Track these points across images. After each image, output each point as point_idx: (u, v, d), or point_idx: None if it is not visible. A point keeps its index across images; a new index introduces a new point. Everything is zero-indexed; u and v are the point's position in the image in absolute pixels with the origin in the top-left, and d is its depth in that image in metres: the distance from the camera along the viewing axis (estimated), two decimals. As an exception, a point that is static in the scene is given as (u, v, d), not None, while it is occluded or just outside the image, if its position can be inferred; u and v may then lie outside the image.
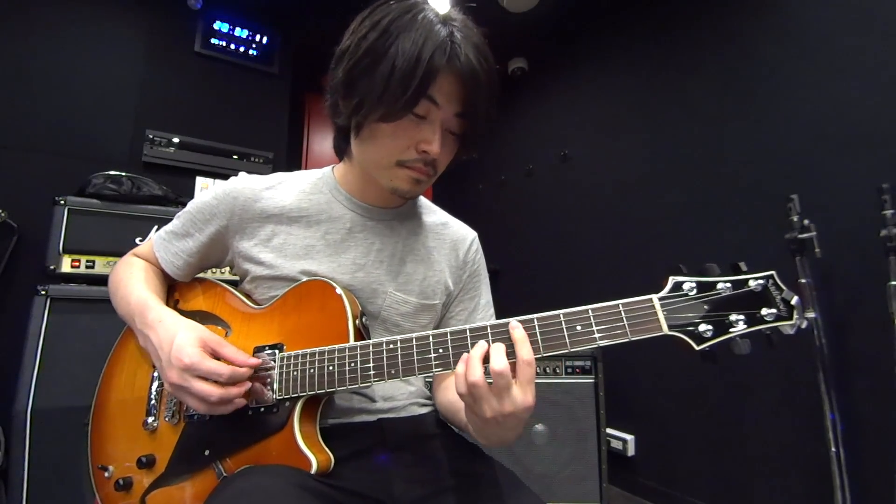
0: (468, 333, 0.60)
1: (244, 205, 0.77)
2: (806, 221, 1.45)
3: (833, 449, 1.39)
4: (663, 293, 0.57)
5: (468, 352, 0.58)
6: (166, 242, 0.82)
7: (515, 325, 0.58)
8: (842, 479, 1.37)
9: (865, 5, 1.51)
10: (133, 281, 0.78)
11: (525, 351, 0.55)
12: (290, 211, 0.78)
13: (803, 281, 1.43)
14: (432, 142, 0.69)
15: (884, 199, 1.31)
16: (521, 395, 0.55)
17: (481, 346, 0.57)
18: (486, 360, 0.57)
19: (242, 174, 0.82)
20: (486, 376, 0.56)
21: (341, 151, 0.84)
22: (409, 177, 0.73)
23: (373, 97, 0.65)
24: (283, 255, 0.76)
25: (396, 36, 0.64)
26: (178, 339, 0.64)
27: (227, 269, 0.86)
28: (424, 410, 0.84)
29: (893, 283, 1.27)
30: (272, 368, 0.68)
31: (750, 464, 1.71)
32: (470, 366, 0.56)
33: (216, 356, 0.65)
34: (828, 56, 1.60)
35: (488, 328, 0.59)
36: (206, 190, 0.82)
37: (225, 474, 0.65)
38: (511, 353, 0.56)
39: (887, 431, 1.36)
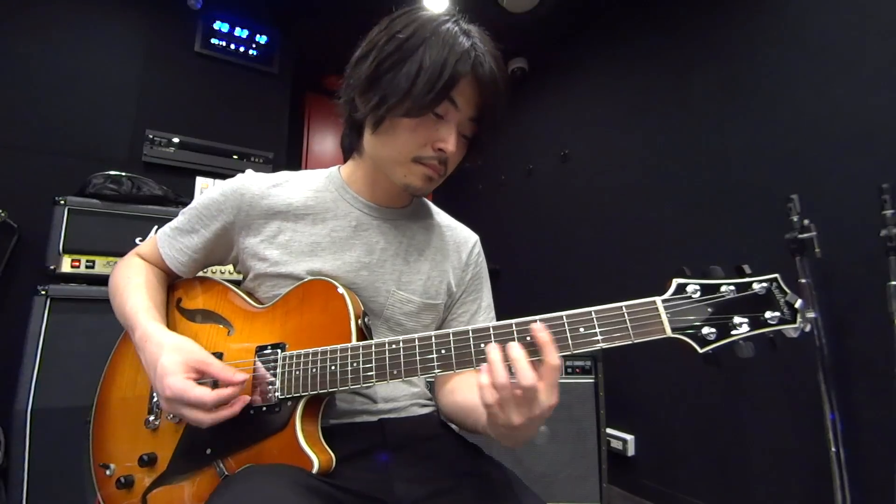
0: (471, 334, 0.60)
1: (251, 201, 0.78)
2: (806, 221, 1.45)
3: (833, 449, 1.39)
4: (667, 295, 0.57)
5: (474, 355, 0.58)
6: (171, 239, 0.82)
7: (540, 328, 0.56)
8: (842, 479, 1.37)
9: (865, 5, 1.52)
10: (130, 287, 0.78)
11: (552, 356, 0.55)
12: (297, 208, 0.79)
13: (803, 281, 1.43)
14: (448, 140, 0.72)
15: (884, 199, 1.31)
16: (547, 397, 0.55)
17: (495, 348, 0.56)
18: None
19: (249, 171, 0.82)
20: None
21: (350, 150, 0.85)
22: (423, 174, 0.75)
23: (398, 93, 0.68)
24: (289, 252, 0.77)
25: (422, 41, 0.68)
26: (160, 364, 0.64)
27: (231, 267, 0.86)
28: (426, 411, 0.84)
29: (893, 283, 1.27)
30: (272, 371, 0.68)
31: (750, 464, 1.71)
32: (495, 373, 0.54)
33: (203, 374, 0.65)
34: (828, 56, 1.60)
35: (491, 329, 0.60)
36: (213, 187, 0.82)
37: (226, 473, 0.65)
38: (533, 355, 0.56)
39: (887, 431, 1.36)
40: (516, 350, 0.55)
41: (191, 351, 0.66)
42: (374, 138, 0.77)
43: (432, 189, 0.80)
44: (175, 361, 0.64)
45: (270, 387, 0.67)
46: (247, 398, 0.66)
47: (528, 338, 0.57)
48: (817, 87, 1.62)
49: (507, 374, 0.54)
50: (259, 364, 0.69)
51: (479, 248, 0.95)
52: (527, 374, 0.53)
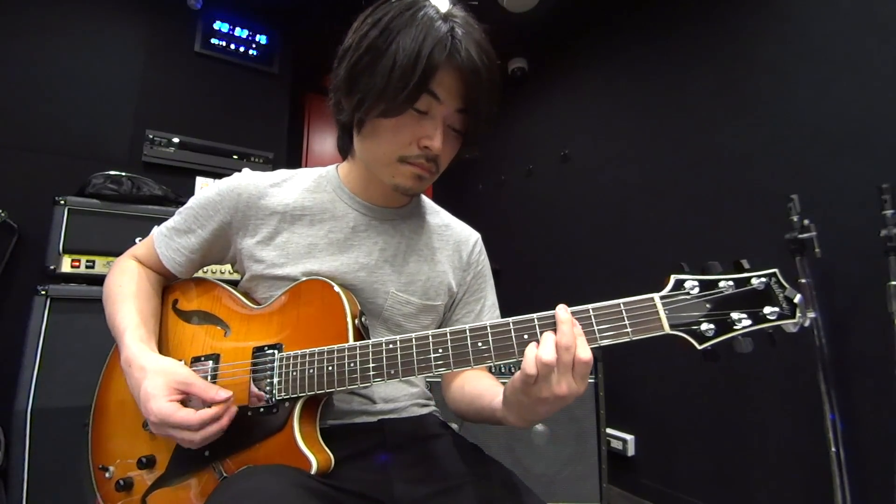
0: (468, 333, 0.60)
1: (248, 201, 0.77)
2: (806, 221, 1.44)
3: (833, 449, 1.39)
4: (665, 292, 0.57)
5: (471, 354, 0.59)
6: (167, 239, 0.81)
7: (575, 323, 0.56)
8: (842, 479, 1.37)
9: (865, 5, 1.51)
10: (122, 297, 0.76)
11: (584, 351, 0.55)
12: (294, 209, 0.78)
13: (803, 281, 1.43)
14: (434, 137, 0.69)
15: (884, 199, 1.31)
16: (577, 385, 0.55)
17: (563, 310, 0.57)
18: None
19: (246, 170, 0.81)
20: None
21: (345, 150, 0.84)
22: (412, 173, 0.73)
23: (374, 93, 0.66)
24: (286, 254, 0.76)
25: (397, 33, 0.65)
26: (143, 389, 0.63)
27: (228, 267, 0.85)
28: (425, 411, 0.84)
29: (893, 283, 1.27)
30: (269, 372, 0.68)
31: (750, 464, 1.70)
32: (563, 332, 0.55)
33: (187, 394, 0.64)
34: (828, 56, 1.60)
35: (488, 328, 0.59)
36: (209, 186, 0.81)
37: (225, 475, 0.65)
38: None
39: (887, 431, 1.36)
40: (578, 327, 0.56)
41: (174, 372, 0.65)
42: (359, 140, 0.75)
43: (426, 187, 0.78)
44: (158, 385, 0.63)
45: (268, 388, 0.67)
46: (234, 410, 0.65)
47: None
48: (817, 87, 1.62)
49: (573, 337, 0.55)
50: (255, 365, 0.69)
51: (480, 246, 0.93)
52: (565, 335, 0.54)
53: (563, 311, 0.57)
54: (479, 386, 0.77)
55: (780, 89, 1.73)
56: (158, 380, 0.64)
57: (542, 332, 0.57)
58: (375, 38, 0.66)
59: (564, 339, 0.54)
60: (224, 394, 0.64)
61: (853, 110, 1.51)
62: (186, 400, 0.64)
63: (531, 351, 0.55)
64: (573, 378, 0.55)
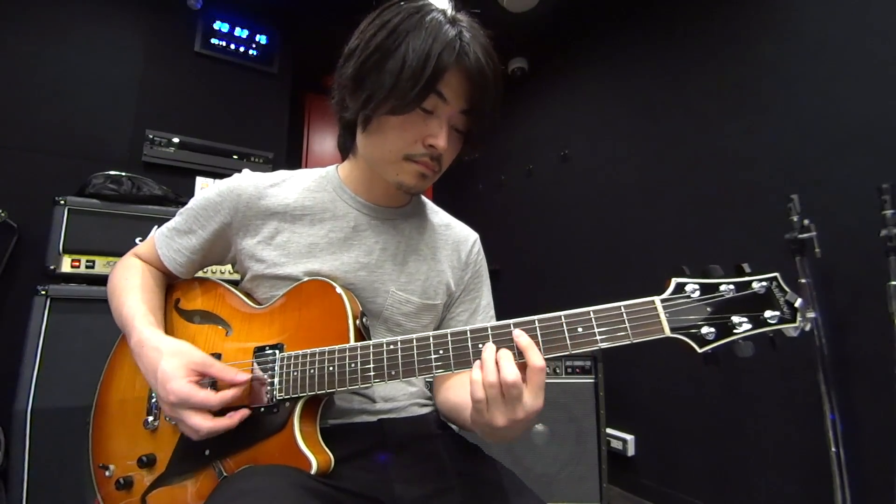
0: (469, 335, 0.60)
1: (248, 202, 0.77)
2: (806, 221, 1.45)
3: (833, 449, 1.39)
4: (665, 295, 0.57)
5: (472, 355, 0.58)
6: (168, 239, 0.82)
7: (519, 334, 0.57)
8: (842, 479, 1.37)
9: (865, 5, 1.51)
10: (127, 289, 0.77)
11: (535, 357, 0.55)
12: (294, 209, 0.78)
13: (803, 281, 1.43)
14: (438, 136, 0.70)
15: (884, 199, 1.31)
16: (532, 400, 0.55)
17: (490, 348, 0.57)
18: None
19: (246, 171, 0.81)
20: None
21: (346, 149, 0.84)
22: (416, 171, 0.74)
23: (383, 91, 0.67)
24: (286, 254, 0.76)
25: (406, 34, 0.66)
26: (161, 370, 0.63)
27: (229, 267, 0.86)
28: (425, 411, 0.84)
29: (893, 283, 1.27)
30: (270, 372, 0.68)
31: (750, 464, 1.71)
32: (486, 370, 0.56)
33: (204, 376, 0.65)
34: (828, 56, 1.60)
35: (489, 329, 0.60)
36: (209, 187, 0.82)
37: (225, 474, 0.65)
38: (519, 359, 0.57)
39: (887, 431, 1.36)
40: (504, 352, 0.57)
41: (190, 354, 0.66)
42: (364, 138, 0.76)
43: (427, 186, 0.79)
44: (175, 366, 0.63)
45: (268, 387, 0.67)
46: (246, 412, 0.65)
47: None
48: (817, 87, 1.62)
49: (496, 372, 0.55)
50: (257, 365, 0.69)
51: (478, 246, 0.94)
52: (509, 371, 0.54)
53: (487, 349, 0.57)
54: (462, 396, 0.76)
55: (780, 89, 1.73)
56: (175, 360, 0.64)
57: (542, 334, 0.57)
58: (384, 39, 0.67)
59: (487, 377, 0.55)
60: (242, 376, 0.65)
61: (853, 110, 1.52)
62: (202, 381, 0.65)
63: (476, 379, 0.56)
64: (528, 397, 0.55)
